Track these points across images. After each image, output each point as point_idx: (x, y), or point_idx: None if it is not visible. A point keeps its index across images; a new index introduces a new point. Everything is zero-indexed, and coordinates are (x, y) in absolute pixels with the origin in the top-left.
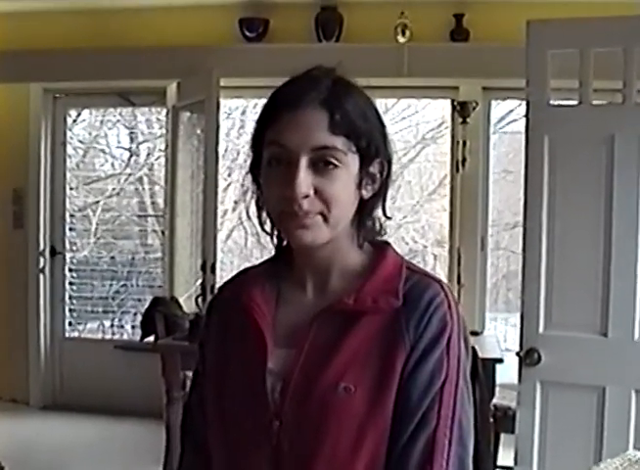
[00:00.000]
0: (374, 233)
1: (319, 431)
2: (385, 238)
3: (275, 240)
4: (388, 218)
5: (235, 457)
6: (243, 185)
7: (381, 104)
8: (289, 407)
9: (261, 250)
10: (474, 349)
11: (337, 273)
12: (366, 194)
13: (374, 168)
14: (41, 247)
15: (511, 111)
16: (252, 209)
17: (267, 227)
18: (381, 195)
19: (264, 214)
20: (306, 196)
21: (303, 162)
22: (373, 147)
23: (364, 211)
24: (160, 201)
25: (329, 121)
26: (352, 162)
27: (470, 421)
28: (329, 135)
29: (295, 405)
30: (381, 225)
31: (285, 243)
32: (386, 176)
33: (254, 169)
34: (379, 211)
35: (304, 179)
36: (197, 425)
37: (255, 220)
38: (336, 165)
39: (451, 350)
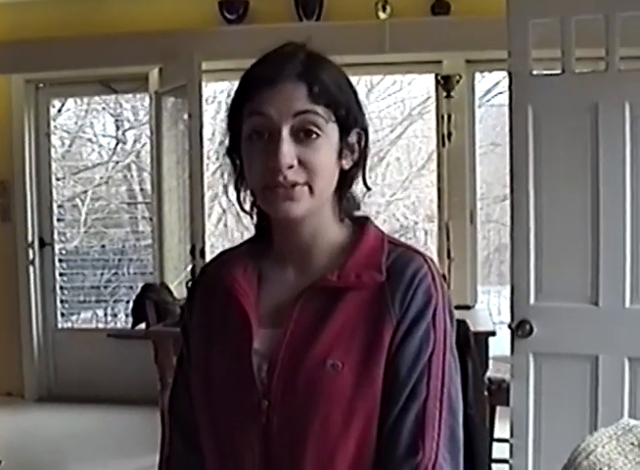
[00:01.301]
0: (354, 207)
1: (308, 409)
2: (374, 214)
3: (255, 219)
4: (369, 189)
5: (224, 439)
6: (221, 164)
7: (365, 81)
8: (277, 387)
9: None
10: (465, 323)
11: (318, 250)
12: (346, 164)
13: (352, 138)
14: (30, 239)
15: (497, 83)
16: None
17: (247, 207)
18: (360, 165)
19: (243, 194)
20: (291, 166)
21: (285, 131)
22: (351, 116)
23: (345, 182)
24: (149, 187)
25: (307, 92)
26: (332, 131)
27: (458, 391)
28: (309, 103)
29: (282, 384)
30: (355, 200)
31: (264, 223)
32: (364, 146)
33: (232, 149)
34: (358, 188)
35: (288, 150)
36: (184, 409)
37: (235, 201)
38: (318, 134)
39: (437, 322)
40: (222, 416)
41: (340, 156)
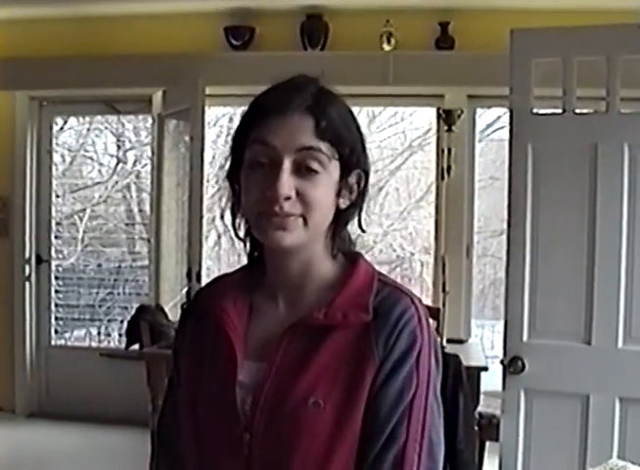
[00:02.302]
0: (347, 244)
1: (289, 445)
2: (371, 244)
3: (248, 247)
4: (363, 232)
5: (207, 467)
6: (219, 189)
7: (367, 111)
8: (259, 421)
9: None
10: (458, 357)
11: (309, 284)
12: (343, 204)
13: (352, 179)
14: (27, 255)
15: (498, 117)
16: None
17: (241, 233)
18: (357, 206)
19: (238, 220)
20: (288, 198)
21: (287, 164)
22: (354, 156)
23: (340, 221)
24: (148, 208)
25: (314, 127)
26: (334, 169)
27: (440, 435)
28: (314, 139)
29: (265, 419)
30: (350, 239)
31: (257, 252)
32: (363, 187)
33: (232, 174)
34: (352, 225)
35: (287, 181)
36: (171, 433)
37: (230, 226)
38: (317, 171)
39: (421, 364)
40: (206, 444)
41: (338, 194)
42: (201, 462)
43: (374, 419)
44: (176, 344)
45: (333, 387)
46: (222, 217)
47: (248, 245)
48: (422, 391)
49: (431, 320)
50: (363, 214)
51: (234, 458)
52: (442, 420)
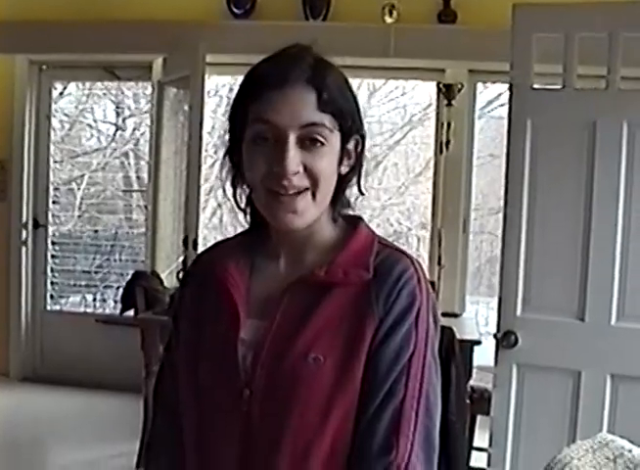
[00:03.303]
0: (346, 207)
1: (288, 400)
2: (368, 218)
3: (249, 217)
4: (362, 194)
5: (207, 424)
6: (217, 159)
7: (368, 84)
8: (259, 377)
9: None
10: (451, 329)
11: (311, 247)
12: (343, 169)
13: (351, 145)
14: (24, 219)
15: (499, 95)
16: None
17: (242, 204)
18: (356, 170)
19: (239, 191)
20: (296, 173)
21: (292, 139)
22: (353, 124)
23: (341, 186)
24: (146, 176)
25: (317, 100)
26: (336, 139)
27: (437, 393)
28: (317, 113)
29: (265, 375)
30: (349, 202)
31: (259, 218)
32: (360, 151)
33: (232, 147)
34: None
35: (294, 156)
36: (169, 391)
37: (231, 197)
38: (322, 143)
39: (419, 323)
40: (206, 401)
41: (340, 162)
42: (201, 420)
43: (373, 376)
44: (175, 308)
45: (333, 343)
46: (223, 188)
47: (248, 215)
48: (420, 349)
49: None
50: (362, 178)
51: (234, 414)
52: (440, 379)
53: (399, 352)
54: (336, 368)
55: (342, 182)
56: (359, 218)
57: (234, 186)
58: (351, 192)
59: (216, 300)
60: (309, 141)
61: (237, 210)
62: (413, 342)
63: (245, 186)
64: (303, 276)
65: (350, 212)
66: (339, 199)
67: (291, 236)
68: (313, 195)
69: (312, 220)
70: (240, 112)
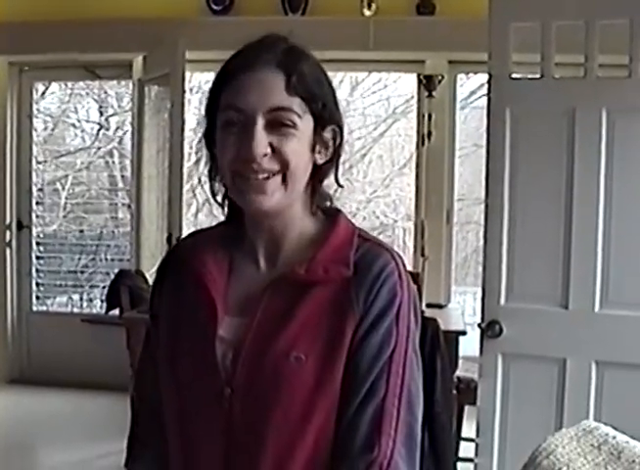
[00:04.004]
0: (326, 200)
1: (270, 399)
2: (354, 211)
3: (226, 210)
4: (341, 186)
5: (188, 423)
6: (197, 153)
7: (350, 78)
8: (240, 375)
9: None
10: (436, 321)
11: (288, 241)
12: (319, 159)
13: (327, 134)
14: (7, 221)
15: (482, 85)
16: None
17: (219, 198)
18: (334, 162)
19: (217, 184)
20: (264, 155)
21: (260, 122)
22: (327, 111)
23: (317, 177)
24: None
25: (285, 82)
26: (307, 124)
27: (419, 389)
28: (286, 96)
29: (246, 374)
30: (329, 195)
31: (235, 211)
32: (338, 143)
33: (208, 138)
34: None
35: (261, 139)
36: (150, 388)
37: (208, 190)
38: (291, 126)
39: (400, 319)
40: (186, 400)
41: (313, 149)
42: (182, 418)
43: (354, 373)
44: (153, 301)
45: (314, 341)
46: (200, 182)
47: (226, 208)
48: (401, 345)
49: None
50: (340, 171)
51: (215, 412)
52: (421, 376)
53: (380, 350)
54: (317, 366)
55: (319, 173)
56: (338, 210)
57: (211, 178)
58: (330, 185)
59: (194, 295)
60: (278, 124)
61: (213, 201)
62: (394, 338)
63: (221, 178)
64: (284, 274)
65: (328, 205)
66: (316, 190)
67: (266, 228)
68: (283, 178)
69: (282, 205)
70: (212, 102)
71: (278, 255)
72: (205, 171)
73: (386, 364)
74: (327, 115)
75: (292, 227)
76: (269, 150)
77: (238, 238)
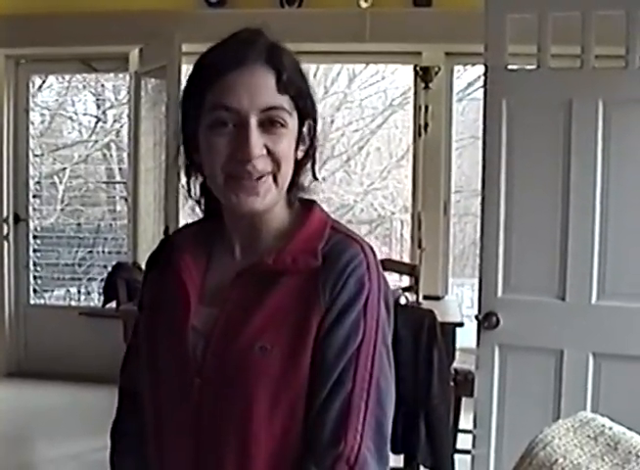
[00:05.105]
0: (301, 192)
1: (236, 389)
2: (351, 203)
3: (202, 204)
4: (316, 180)
5: (162, 411)
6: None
7: (348, 70)
8: (209, 365)
9: None
10: (433, 313)
11: (265, 233)
12: (299, 153)
13: (305, 129)
14: (4, 214)
15: (479, 77)
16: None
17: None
18: (311, 155)
19: (192, 180)
20: (260, 156)
21: (253, 122)
22: (308, 107)
23: (296, 170)
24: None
25: (276, 81)
26: (294, 122)
27: (389, 384)
28: (277, 95)
29: (214, 363)
30: (304, 187)
31: (213, 205)
32: (312, 136)
33: (186, 135)
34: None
35: (257, 140)
36: (132, 379)
37: (184, 187)
38: (282, 125)
39: (368, 311)
40: (161, 389)
41: (297, 145)
42: (156, 407)
43: (320, 366)
44: (140, 294)
45: (280, 332)
46: (178, 177)
47: (202, 203)
48: (369, 338)
49: (406, 277)
50: (318, 163)
51: (186, 402)
52: (393, 369)
53: (347, 341)
54: (283, 358)
55: (298, 167)
56: (313, 202)
57: (188, 175)
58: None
59: (172, 288)
60: (269, 123)
61: (189, 199)
62: (362, 330)
63: (198, 175)
64: (252, 265)
65: (305, 196)
66: (295, 184)
67: (245, 223)
68: (274, 178)
69: (272, 204)
70: (193, 100)
71: (253, 246)
72: (180, 165)
73: (353, 357)
74: (309, 110)
75: (268, 219)
76: (264, 151)
77: (217, 232)
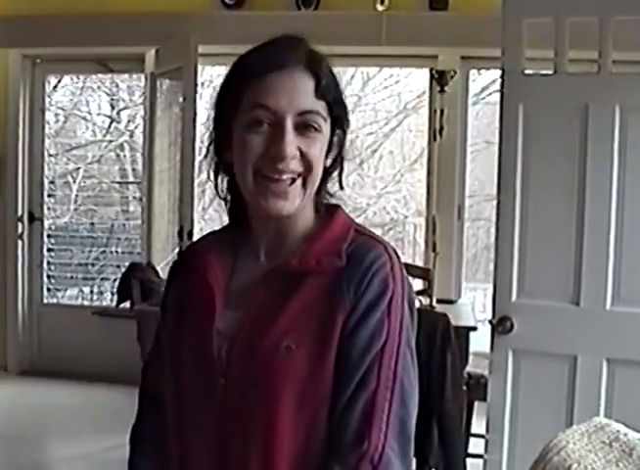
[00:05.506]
0: (328, 197)
1: (261, 389)
2: (364, 207)
3: (229, 205)
4: (342, 189)
5: (185, 412)
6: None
7: (362, 73)
8: (234, 366)
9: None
10: (446, 316)
11: (290, 237)
12: (328, 160)
13: (335, 137)
14: (19, 213)
15: (494, 81)
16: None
17: (222, 192)
18: (338, 163)
19: (220, 179)
20: (293, 157)
21: (289, 123)
22: (342, 115)
23: (324, 177)
24: (141, 168)
25: (315, 86)
26: (327, 128)
27: (412, 383)
28: (315, 100)
29: (238, 364)
30: (329, 192)
31: (239, 209)
32: (341, 146)
33: (218, 134)
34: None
35: (292, 141)
36: (155, 382)
37: (213, 186)
38: (316, 129)
39: (392, 312)
40: (186, 391)
41: (327, 152)
42: (180, 409)
43: (345, 365)
44: (164, 297)
45: (305, 332)
46: (208, 176)
47: (229, 202)
48: (393, 338)
49: (420, 280)
50: (345, 171)
51: (210, 403)
52: (416, 370)
53: (371, 342)
54: (308, 357)
55: (326, 174)
56: (337, 206)
57: (216, 174)
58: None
59: (198, 292)
60: (304, 127)
61: (219, 198)
62: (385, 330)
63: (225, 175)
64: (278, 266)
65: (332, 202)
66: (322, 190)
67: (271, 226)
68: (304, 182)
69: (299, 209)
70: (231, 99)
71: (279, 249)
72: (210, 165)
73: (377, 356)
74: (341, 118)
75: (296, 224)
76: (298, 153)
77: (243, 237)
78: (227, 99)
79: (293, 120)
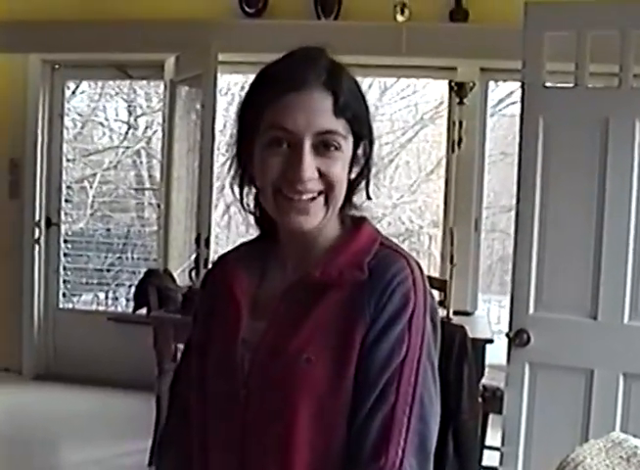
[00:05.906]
0: (355, 209)
1: (281, 400)
2: (380, 216)
3: (256, 218)
4: (370, 199)
5: (209, 427)
6: (228, 158)
7: (379, 83)
8: (255, 376)
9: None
10: (463, 328)
11: (317, 249)
12: (353, 174)
13: (360, 150)
14: (37, 217)
15: (511, 93)
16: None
17: (248, 206)
18: (364, 175)
19: (246, 193)
20: (312, 179)
21: (307, 145)
22: (365, 129)
23: (350, 190)
24: (158, 174)
25: (333, 105)
26: (348, 145)
27: (432, 399)
28: (333, 119)
29: (260, 374)
30: (355, 204)
31: (267, 222)
32: (368, 157)
33: (241, 146)
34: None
35: (310, 163)
36: (183, 391)
37: (238, 200)
38: (336, 148)
39: (413, 326)
40: (210, 400)
41: (351, 167)
42: (205, 416)
43: (364, 379)
44: (195, 308)
45: (325, 344)
46: (231, 188)
47: (257, 214)
48: (414, 353)
49: (436, 292)
50: (371, 183)
51: (231, 417)
52: (438, 385)
53: (391, 356)
54: (327, 370)
55: (351, 187)
56: (363, 218)
57: (241, 187)
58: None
59: (226, 302)
60: (324, 146)
61: (244, 212)
62: (406, 345)
63: (252, 188)
64: (301, 278)
65: (357, 214)
66: (348, 203)
67: (299, 238)
68: (326, 199)
69: (323, 224)
70: (252, 114)
71: (304, 261)
72: (234, 177)
73: (397, 371)
74: (364, 132)
75: (321, 237)
76: (316, 174)
77: (272, 248)
78: (248, 114)
79: (311, 141)
